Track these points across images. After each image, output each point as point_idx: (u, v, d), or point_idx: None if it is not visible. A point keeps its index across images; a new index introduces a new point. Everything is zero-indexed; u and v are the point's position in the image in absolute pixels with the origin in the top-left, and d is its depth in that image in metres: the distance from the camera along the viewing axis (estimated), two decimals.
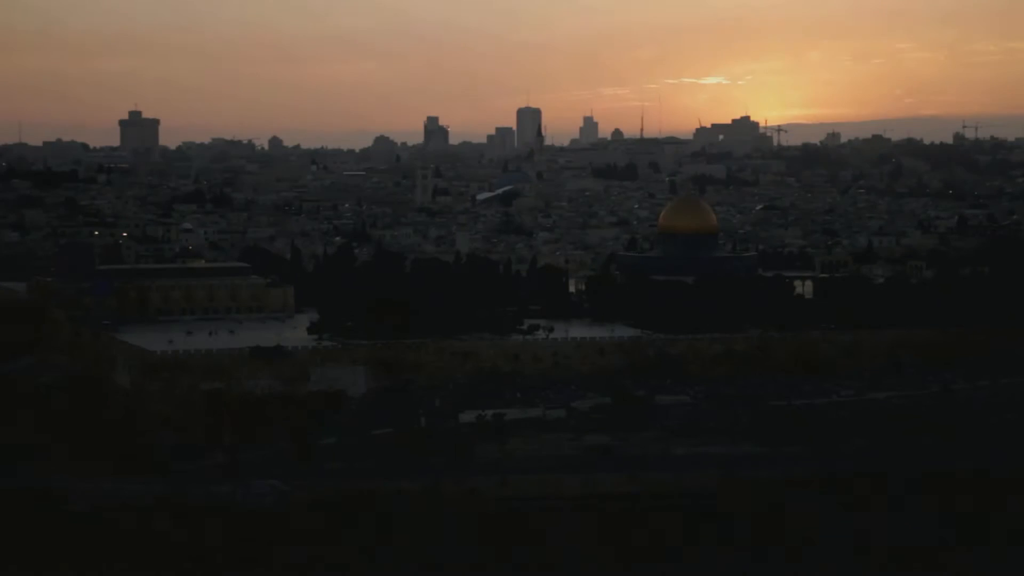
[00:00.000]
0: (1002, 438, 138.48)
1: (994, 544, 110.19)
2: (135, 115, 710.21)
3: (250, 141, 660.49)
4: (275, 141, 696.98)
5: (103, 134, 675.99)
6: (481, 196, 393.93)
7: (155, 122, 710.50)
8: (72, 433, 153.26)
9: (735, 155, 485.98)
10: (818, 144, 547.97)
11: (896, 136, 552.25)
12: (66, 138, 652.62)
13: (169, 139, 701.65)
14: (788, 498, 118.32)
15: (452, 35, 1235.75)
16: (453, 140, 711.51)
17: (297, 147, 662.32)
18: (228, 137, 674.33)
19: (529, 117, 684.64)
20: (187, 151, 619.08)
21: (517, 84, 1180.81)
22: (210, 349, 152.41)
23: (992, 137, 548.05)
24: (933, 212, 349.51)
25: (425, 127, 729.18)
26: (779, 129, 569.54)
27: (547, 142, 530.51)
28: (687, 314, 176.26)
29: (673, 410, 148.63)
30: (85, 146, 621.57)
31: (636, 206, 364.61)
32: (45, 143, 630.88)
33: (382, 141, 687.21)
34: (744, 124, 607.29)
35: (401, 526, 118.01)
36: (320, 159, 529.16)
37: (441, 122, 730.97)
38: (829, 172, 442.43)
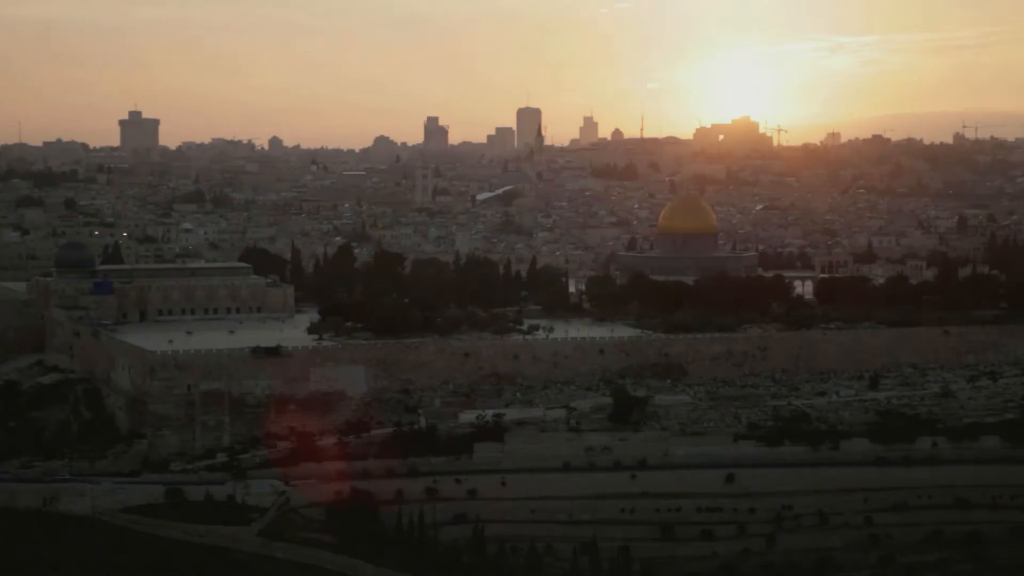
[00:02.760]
0: None
1: None
2: (135, 115, 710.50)
3: (250, 141, 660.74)
4: (275, 141, 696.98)
5: (103, 134, 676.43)
6: (481, 196, 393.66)
7: (155, 122, 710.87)
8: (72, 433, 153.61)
9: (735, 155, 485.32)
10: (818, 144, 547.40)
11: (896, 136, 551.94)
12: (66, 138, 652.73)
13: (169, 139, 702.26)
14: None
15: (452, 35, 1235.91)
16: (453, 140, 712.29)
17: (297, 147, 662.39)
18: (228, 137, 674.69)
19: (529, 117, 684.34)
20: (187, 151, 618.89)
21: (517, 84, 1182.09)
22: (210, 349, 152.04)
23: (992, 137, 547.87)
24: (933, 212, 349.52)
25: (425, 127, 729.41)
26: (779, 129, 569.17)
27: (547, 142, 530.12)
28: (687, 314, 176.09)
29: (673, 410, 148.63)
30: (85, 146, 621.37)
31: (636, 206, 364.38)
32: (45, 143, 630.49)
33: (382, 141, 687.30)
34: (744, 124, 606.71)
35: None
36: (320, 159, 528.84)
37: (441, 122, 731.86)
38: (829, 172, 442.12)
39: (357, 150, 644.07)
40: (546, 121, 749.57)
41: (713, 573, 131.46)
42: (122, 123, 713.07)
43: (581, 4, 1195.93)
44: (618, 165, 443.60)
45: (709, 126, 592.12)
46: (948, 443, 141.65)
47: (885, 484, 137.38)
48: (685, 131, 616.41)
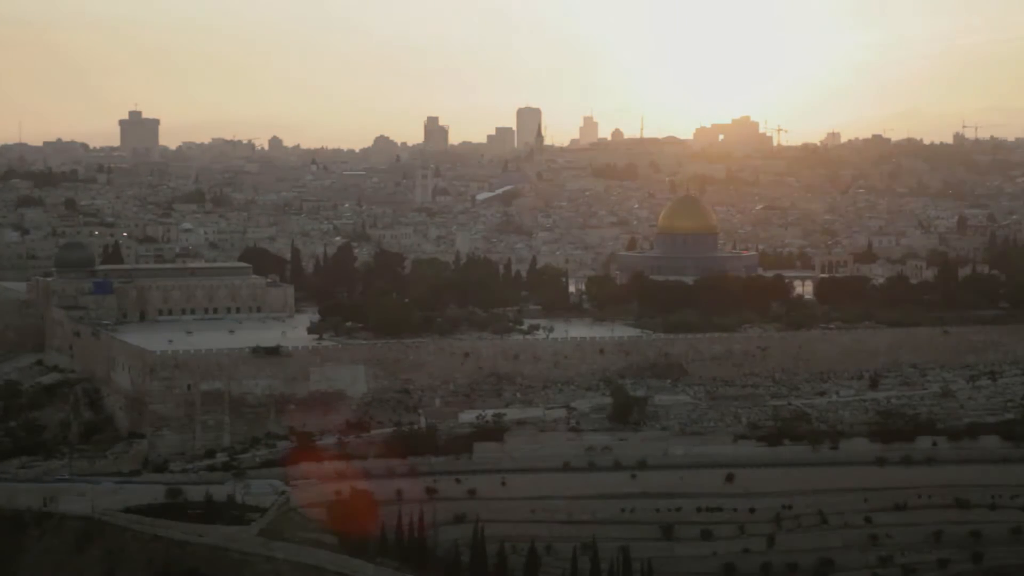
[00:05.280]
0: None
1: None
2: (135, 115, 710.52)
3: (250, 141, 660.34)
4: (275, 141, 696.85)
5: (103, 134, 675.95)
6: (481, 196, 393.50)
7: (155, 122, 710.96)
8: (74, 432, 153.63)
9: (735, 155, 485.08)
10: (818, 144, 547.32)
11: (896, 136, 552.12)
12: (66, 138, 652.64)
13: (169, 139, 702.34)
14: None
15: (452, 36, 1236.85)
16: (453, 140, 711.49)
17: (297, 147, 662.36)
18: (228, 137, 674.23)
19: (529, 117, 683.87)
20: (187, 151, 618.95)
21: (517, 84, 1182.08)
22: (210, 349, 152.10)
23: (992, 137, 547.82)
24: (933, 212, 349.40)
25: (425, 127, 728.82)
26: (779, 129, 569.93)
27: (547, 142, 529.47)
28: (687, 314, 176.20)
29: (673, 410, 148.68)
30: (85, 146, 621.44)
31: (636, 206, 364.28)
32: (45, 143, 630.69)
33: (382, 141, 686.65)
34: (744, 124, 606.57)
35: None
36: (320, 159, 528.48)
37: (441, 122, 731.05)
38: (829, 172, 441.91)
39: (357, 150, 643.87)
40: (546, 121, 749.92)
41: (713, 573, 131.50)
42: (122, 123, 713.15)
43: (581, 3, 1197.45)
44: (618, 165, 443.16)
45: (709, 125, 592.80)
46: (948, 443, 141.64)
47: (885, 484, 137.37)
48: (685, 131, 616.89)
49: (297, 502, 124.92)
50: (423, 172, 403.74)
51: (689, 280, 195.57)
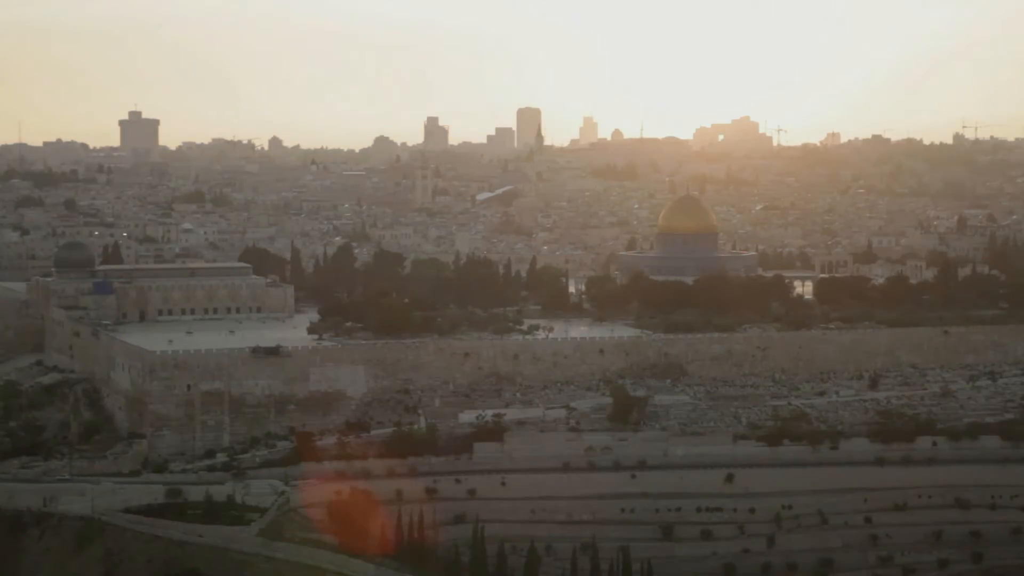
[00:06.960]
0: None
1: None
2: (135, 115, 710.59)
3: (250, 141, 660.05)
4: (275, 141, 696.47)
5: (103, 134, 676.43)
6: (481, 196, 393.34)
7: (155, 122, 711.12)
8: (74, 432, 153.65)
9: (735, 155, 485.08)
10: (818, 144, 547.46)
11: (896, 136, 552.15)
12: (66, 138, 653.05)
13: (169, 139, 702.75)
14: None
15: (452, 35, 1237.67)
16: (453, 140, 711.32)
17: (297, 147, 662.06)
18: (228, 137, 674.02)
19: (529, 117, 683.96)
20: (187, 151, 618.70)
21: (517, 84, 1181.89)
22: (210, 349, 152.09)
23: (992, 137, 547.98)
24: (933, 212, 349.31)
25: (425, 127, 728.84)
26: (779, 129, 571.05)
27: (547, 142, 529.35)
28: (687, 314, 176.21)
29: (673, 410, 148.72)
30: (85, 146, 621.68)
31: (636, 206, 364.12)
32: (45, 143, 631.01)
33: (382, 141, 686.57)
34: (744, 124, 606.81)
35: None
36: (320, 159, 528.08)
37: (441, 122, 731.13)
38: (829, 172, 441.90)
39: (357, 150, 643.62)
40: (546, 121, 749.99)
41: (713, 573, 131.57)
42: (122, 123, 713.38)
43: (581, 3, 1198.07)
44: (618, 165, 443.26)
45: (709, 125, 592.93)
46: (948, 443, 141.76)
47: (885, 484, 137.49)
48: (685, 131, 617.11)
49: (297, 502, 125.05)
50: (423, 172, 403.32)
51: (689, 280, 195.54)
